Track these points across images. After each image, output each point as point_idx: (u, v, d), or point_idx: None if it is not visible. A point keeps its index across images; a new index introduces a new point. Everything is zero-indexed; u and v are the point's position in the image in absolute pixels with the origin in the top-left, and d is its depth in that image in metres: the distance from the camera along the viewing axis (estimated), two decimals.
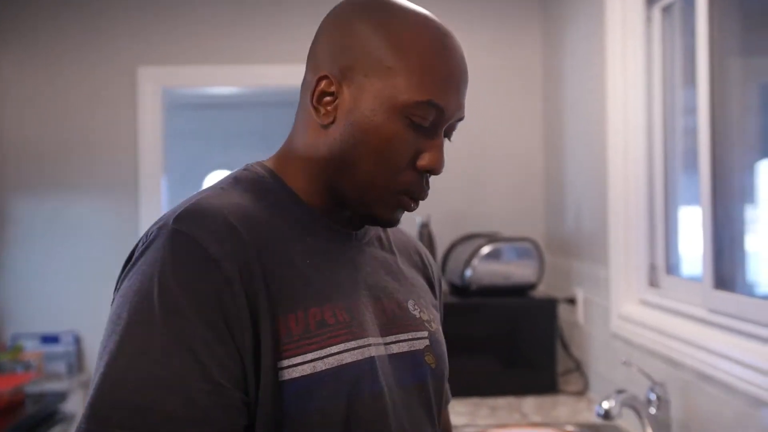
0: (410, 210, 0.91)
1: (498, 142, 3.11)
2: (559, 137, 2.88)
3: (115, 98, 3.09)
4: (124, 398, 0.75)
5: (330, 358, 0.82)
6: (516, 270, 2.61)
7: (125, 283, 0.82)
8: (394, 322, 0.92)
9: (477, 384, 2.50)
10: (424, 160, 0.87)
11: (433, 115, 0.86)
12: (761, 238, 1.80)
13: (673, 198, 2.16)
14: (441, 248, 2.88)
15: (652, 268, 2.19)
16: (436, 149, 0.87)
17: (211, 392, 0.76)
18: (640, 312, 2.13)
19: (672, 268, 2.15)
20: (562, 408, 2.35)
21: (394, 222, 0.92)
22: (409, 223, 2.90)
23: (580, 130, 2.62)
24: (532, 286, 2.61)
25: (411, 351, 0.92)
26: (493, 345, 2.55)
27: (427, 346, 0.94)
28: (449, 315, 2.60)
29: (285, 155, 0.94)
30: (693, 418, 1.76)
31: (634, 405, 1.73)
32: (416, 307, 0.97)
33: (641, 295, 2.18)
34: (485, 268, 2.59)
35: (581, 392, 2.48)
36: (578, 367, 2.57)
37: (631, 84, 2.20)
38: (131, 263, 0.84)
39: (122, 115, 3.08)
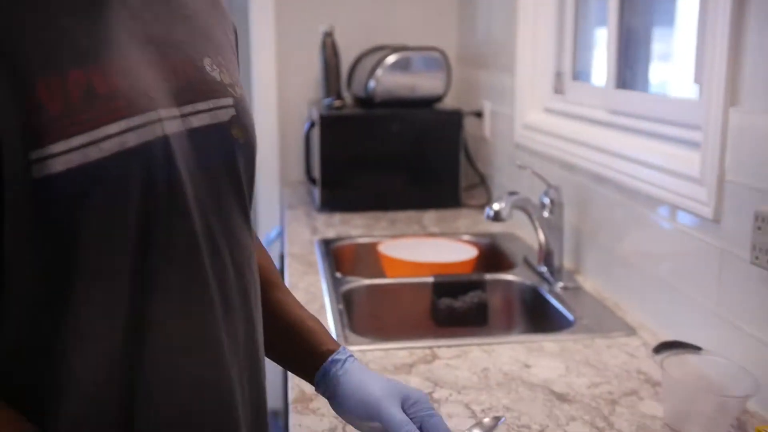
0: None
1: None
2: None
3: None
4: None
5: (107, 141, 0.60)
6: (422, 81, 2.48)
7: None
8: (190, 87, 0.70)
9: (379, 199, 2.43)
10: None
11: None
12: (671, 50, 1.72)
13: (585, 10, 2.03)
14: (346, 62, 2.72)
15: (558, 75, 2.09)
16: None
17: None
18: (543, 120, 2.05)
19: (578, 75, 2.06)
20: (463, 220, 2.31)
21: None
22: (311, 32, 2.72)
23: None
24: (438, 99, 2.50)
25: (214, 124, 0.72)
26: (397, 160, 2.45)
27: (233, 116, 0.75)
28: (351, 128, 2.51)
29: None
30: (585, 221, 1.73)
31: (526, 208, 1.67)
32: (215, 66, 0.75)
33: (546, 102, 2.09)
34: (390, 79, 2.44)
35: (484, 205, 2.43)
36: (482, 181, 2.51)
37: None
38: None
39: None
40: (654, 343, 1.35)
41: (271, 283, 0.94)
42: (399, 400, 0.85)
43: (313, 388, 0.91)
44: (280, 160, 2.92)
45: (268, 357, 0.99)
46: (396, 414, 0.82)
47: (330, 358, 0.90)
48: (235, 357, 0.71)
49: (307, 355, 0.92)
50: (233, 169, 0.74)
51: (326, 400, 0.91)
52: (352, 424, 0.91)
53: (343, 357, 0.91)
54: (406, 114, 2.44)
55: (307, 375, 0.92)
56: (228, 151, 0.74)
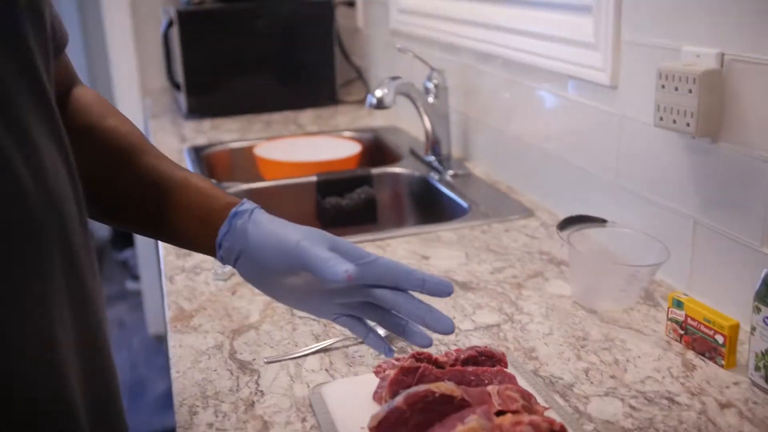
0: None
1: None
2: None
3: None
4: None
5: None
6: None
7: None
8: None
9: (251, 101, 2.26)
10: None
11: None
12: None
13: None
14: None
15: None
16: None
17: None
18: (421, 2, 1.91)
19: None
20: (342, 117, 2.18)
21: None
22: None
23: None
24: None
25: None
26: (267, 58, 2.27)
27: None
28: (214, 25, 2.29)
29: None
30: (472, 105, 1.64)
31: (410, 94, 1.56)
32: None
33: None
34: None
35: (362, 101, 2.31)
36: (359, 75, 2.38)
37: None
38: None
39: None
40: (553, 223, 1.29)
41: (136, 149, 0.77)
42: (325, 244, 0.69)
43: (191, 303, 0.78)
44: (139, 67, 2.67)
45: (154, 236, 0.81)
46: (322, 251, 0.67)
47: (233, 211, 0.73)
48: (51, 293, 0.52)
49: (203, 216, 0.74)
50: (18, 48, 0.50)
51: (213, 307, 0.78)
52: (265, 290, 0.75)
53: (249, 208, 0.74)
54: (273, 6, 2.25)
55: (206, 240, 0.74)
56: (4, 22, 0.49)
